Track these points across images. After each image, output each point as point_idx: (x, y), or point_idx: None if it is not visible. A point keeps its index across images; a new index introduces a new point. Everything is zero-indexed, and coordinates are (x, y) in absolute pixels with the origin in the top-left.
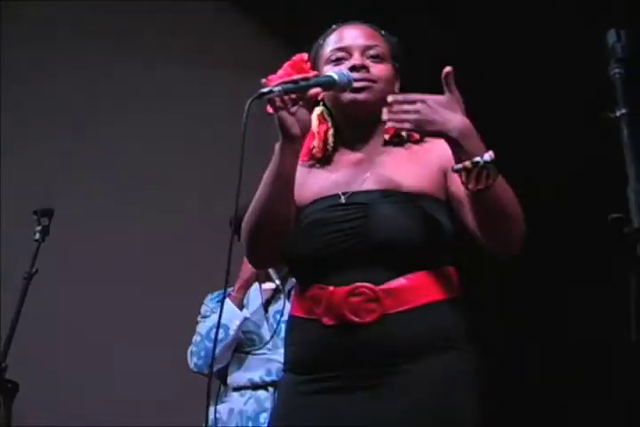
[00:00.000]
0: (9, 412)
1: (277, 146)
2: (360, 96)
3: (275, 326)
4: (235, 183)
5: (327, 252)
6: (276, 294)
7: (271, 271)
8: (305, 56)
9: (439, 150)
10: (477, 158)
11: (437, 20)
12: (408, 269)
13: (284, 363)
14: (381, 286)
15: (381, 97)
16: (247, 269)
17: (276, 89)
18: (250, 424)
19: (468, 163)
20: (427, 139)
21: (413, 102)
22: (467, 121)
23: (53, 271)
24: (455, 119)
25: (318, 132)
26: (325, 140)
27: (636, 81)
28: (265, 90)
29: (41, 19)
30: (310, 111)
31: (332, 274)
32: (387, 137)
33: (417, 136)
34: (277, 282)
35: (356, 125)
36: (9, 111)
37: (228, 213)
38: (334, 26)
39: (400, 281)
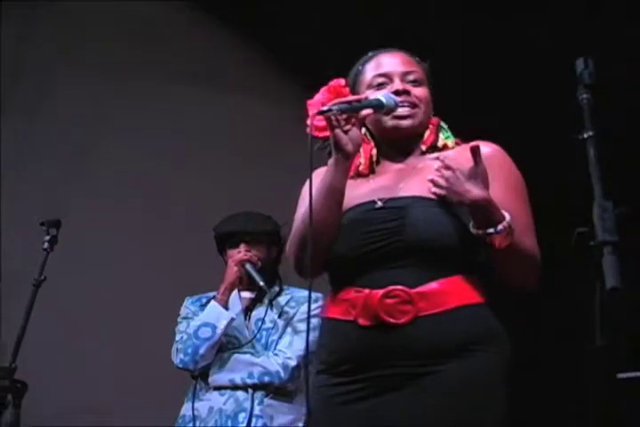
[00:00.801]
0: (18, 411)
1: (331, 162)
2: (404, 123)
3: (255, 331)
4: (233, 194)
5: (365, 250)
6: (255, 302)
7: (256, 277)
8: (342, 81)
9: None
10: (490, 230)
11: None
12: (441, 272)
13: (319, 364)
14: (415, 289)
15: (423, 119)
16: (232, 273)
17: (334, 108)
18: (229, 423)
19: (480, 231)
20: (462, 146)
21: (448, 168)
22: (483, 194)
23: (58, 275)
24: (473, 191)
25: (364, 151)
26: (370, 159)
27: (602, 106)
28: (325, 108)
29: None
30: (361, 131)
31: (368, 276)
32: (424, 148)
33: (451, 145)
34: (262, 283)
35: (398, 145)
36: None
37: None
38: (371, 53)
39: (432, 285)
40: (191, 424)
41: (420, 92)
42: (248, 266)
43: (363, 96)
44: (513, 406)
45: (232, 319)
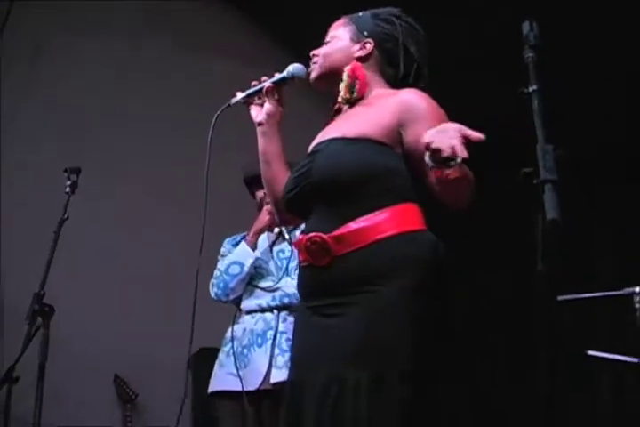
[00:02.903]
0: (47, 331)
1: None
2: (309, 78)
3: (279, 262)
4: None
5: (287, 196)
6: (278, 237)
7: (284, 229)
8: None
9: (399, 102)
10: (452, 162)
11: None
12: (356, 210)
13: None
14: (330, 234)
15: (322, 71)
16: (263, 220)
17: (237, 98)
18: (259, 340)
19: (437, 165)
20: (397, 92)
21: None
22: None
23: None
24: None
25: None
26: (332, 109)
27: (544, 63)
28: (232, 100)
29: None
30: (275, 102)
31: (305, 222)
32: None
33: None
34: (287, 236)
35: (334, 95)
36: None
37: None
38: None
39: (349, 226)
40: (230, 344)
41: (320, 50)
42: None
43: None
44: (459, 330)
45: (257, 258)
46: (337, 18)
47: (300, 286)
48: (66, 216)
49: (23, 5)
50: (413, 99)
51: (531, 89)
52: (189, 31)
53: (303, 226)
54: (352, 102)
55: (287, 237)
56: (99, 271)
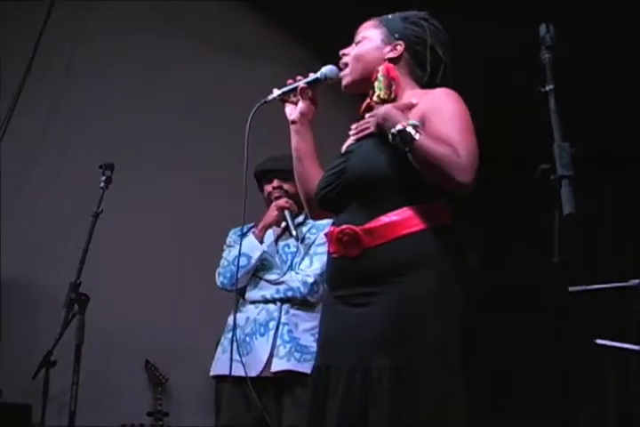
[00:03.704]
0: (83, 317)
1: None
2: (342, 84)
3: (284, 256)
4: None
5: (322, 193)
6: (284, 231)
7: (291, 225)
8: None
9: (428, 98)
10: (392, 130)
11: None
12: (386, 206)
13: None
14: (362, 226)
15: (356, 76)
16: (272, 215)
17: (273, 95)
18: (261, 330)
19: (390, 137)
20: (428, 91)
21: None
22: (384, 108)
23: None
24: (379, 112)
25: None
26: (359, 111)
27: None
28: (269, 97)
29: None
30: (308, 101)
31: (337, 216)
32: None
33: (376, 99)
34: (294, 233)
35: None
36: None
37: None
38: None
39: (380, 220)
40: (233, 331)
41: (350, 50)
42: (287, 213)
43: (298, 78)
44: (477, 317)
45: (264, 252)
46: (365, 19)
47: (328, 276)
48: (100, 210)
49: (63, 5)
50: (441, 95)
51: (547, 88)
52: (217, 32)
53: (310, 221)
54: (387, 102)
55: (294, 233)
56: (131, 263)
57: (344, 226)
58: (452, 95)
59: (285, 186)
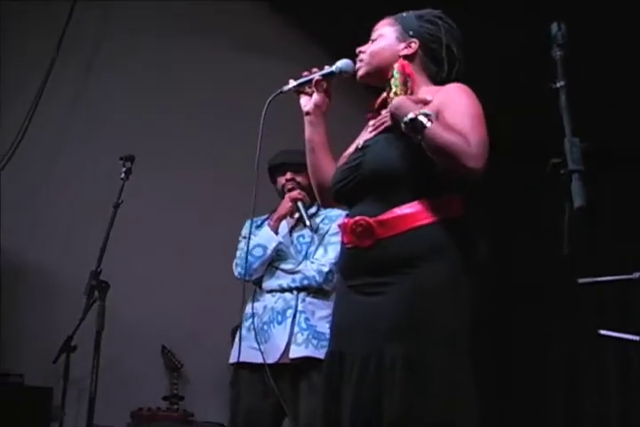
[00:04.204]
0: (103, 303)
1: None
2: (357, 76)
3: (298, 246)
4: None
5: (337, 187)
6: (298, 222)
7: (304, 216)
8: None
9: (442, 93)
10: (405, 119)
11: None
12: (400, 198)
13: None
14: (375, 218)
15: (369, 69)
16: (286, 206)
17: (289, 86)
18: (279, 318)
19: (403, 126)
20: (441, 87)
21: None
22: (396, 101)
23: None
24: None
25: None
26: (374, 106)
27: (571, 61)
28: (285, 88)
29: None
30: (323, 93)
31: (351, 208)
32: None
33: (392, 96)
34: (307, 223)
35: (382, 92)
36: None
37: None
38: None
39: (393, 212)
40: (251, 319)
41: (367, 47)
42: (300, 204)
43: (314, 70)
44: (485, 305)
45: (279, 243)
46: (379, 18)
47: (342, 266)
48: (120, 200)
49: (84, 5)
50: (454, 89)
51: (558, 84)
52: (234, 32)
53: (323, 212)
54: None
55: (308, 223)
56: (149, 252)
57: (358, 217)
58: (465, 89)
59: (298, 178)
